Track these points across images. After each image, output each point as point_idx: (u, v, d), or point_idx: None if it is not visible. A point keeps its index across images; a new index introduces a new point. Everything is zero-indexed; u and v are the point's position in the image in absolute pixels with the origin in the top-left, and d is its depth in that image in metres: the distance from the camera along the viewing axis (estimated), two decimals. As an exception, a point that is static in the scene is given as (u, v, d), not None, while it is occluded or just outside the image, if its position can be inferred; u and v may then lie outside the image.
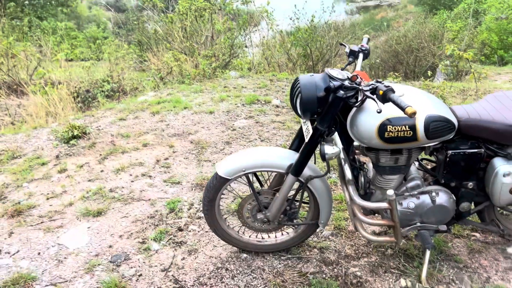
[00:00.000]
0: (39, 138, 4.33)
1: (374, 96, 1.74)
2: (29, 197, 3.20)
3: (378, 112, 1.66)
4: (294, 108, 2.01)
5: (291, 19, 8.92)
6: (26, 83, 7.86)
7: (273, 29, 9.66)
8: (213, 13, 7.84)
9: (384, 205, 1.97)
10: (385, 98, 1.69)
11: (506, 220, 2.33)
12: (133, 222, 2.81)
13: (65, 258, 2.50)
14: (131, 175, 3.45)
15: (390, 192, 1.92)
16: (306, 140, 2.00)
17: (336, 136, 2.11)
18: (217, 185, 2.20)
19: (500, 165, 1.97)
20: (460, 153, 2.01)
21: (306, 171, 2.12)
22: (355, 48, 2.22)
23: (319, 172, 2.16)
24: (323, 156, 1.93)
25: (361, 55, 2.22)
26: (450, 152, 2.01)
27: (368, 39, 2.34)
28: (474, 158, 2.02)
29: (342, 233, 2.61)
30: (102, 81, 7.18)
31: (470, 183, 2.10)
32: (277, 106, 4.87)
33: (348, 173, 2.09)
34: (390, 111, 1.83)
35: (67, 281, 2.31)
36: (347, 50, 2.23)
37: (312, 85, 1.90)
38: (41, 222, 2.86)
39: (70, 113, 6.25)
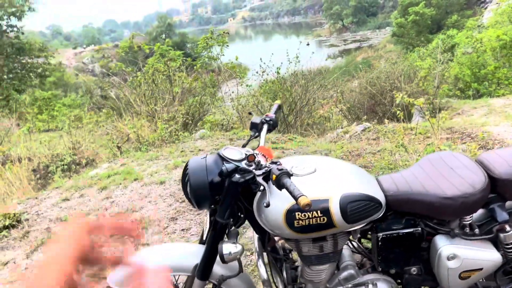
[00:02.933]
0: (-29, 230, 3.93)
1: (267, 184, 1.41)
2: None
3: (265, 206, 1.32)
4: (187, 198, 1.67)
5: (257, 72, 8.80)
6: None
7: (242, 83, 9.55)
8: (174, 75, 7.68)
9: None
10: (279, 184, 1.36)
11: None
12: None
13: None
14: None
15: None
16: (204, 237, 1.64)
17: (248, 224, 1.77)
18: (111, 296, 1.80)
19: (442, 245, 1.61)
20: (394, 235, 1.65)
21: (217, 270, 1.74)
22: (257, 120, 1.89)
23: (234, 271, 1.78)
24: (222, 257, 1.57)
25: (265, 127, 1.90)
26: (380, 235, 1.65)
27: (279, 106, 2.03)
28: (412, 239, 1.66)
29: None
30: (64, 154, 6.87)
31: (413, 268, 1.72)
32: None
33: (263, 272, 1.71)
34: (297, 195, 1.49)
35: None
36: (252, 121, 1.92)
37: (202, 169, 1.58)
38: None
39: (27, 192, 5.89)
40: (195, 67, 9.99)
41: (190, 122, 6.95)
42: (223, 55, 9.56)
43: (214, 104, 9.19)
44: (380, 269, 1.74)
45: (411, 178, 1.68)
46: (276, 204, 1.52)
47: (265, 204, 1.32)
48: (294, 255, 1.91)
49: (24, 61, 20.39)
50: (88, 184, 4.65)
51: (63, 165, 6.59)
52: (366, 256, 1.86)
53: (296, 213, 1.50)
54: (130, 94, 8.71)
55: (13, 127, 8.80)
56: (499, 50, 10.19)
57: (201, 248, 1.77)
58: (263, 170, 1.45)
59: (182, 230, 3.40)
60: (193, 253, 1.76)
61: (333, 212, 1.50)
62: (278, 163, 1.45)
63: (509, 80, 9.60)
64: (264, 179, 1.44)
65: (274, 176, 1.37)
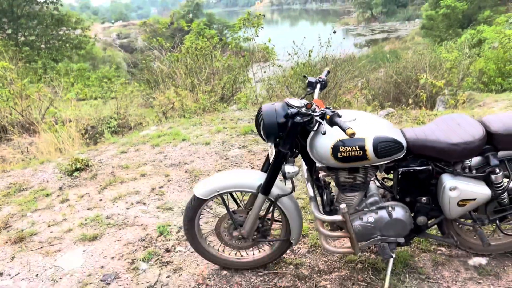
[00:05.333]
0: (45, 171, 4.62)
1: (323, 121, 1.98)
2: (32, 225, 3.44)
3: (323, 134, 1.90)
4: (259, 133, 2.25)
5: (289, 54, 9.29)
6: (38, 122, 8.27)
7: (274, 64, 10.07)
8: (212, 51, 8.25)
9: (338, 218, 2.17)
10: (331, 121, 1.92)
11: (465, 234, 2.50)
12: (125, 245, 3.03)
13: (60, 278, 2.71)
14: (127, 203, 3.69)
15: (343, 205, 2.12)
16: (271, 161, 2.23)
17: (300, 158, 2.35)
18: (195, 205, 2.42)
19: (447, 180, 2.17)
20: (411, 171, 2.21)
21: (275, 190, 2.33)
22: (313, 79, 2.48)
23: (287, 191, 2.37)
24: (284, 175, 2.16)
25: (318, 86, 2.48)
26: (401, 169, 2.21)
27: (328, 72, 2.60)
28: (424, 175, 2.22)
29: (317, 250, 2.79)
30: (110, 118, 7.57)
31: (424, 198, 2.29)
32: (270, 136, 5.11)
33: (310, 191, 2.31)
34: (342, 133, 2.05)
35: (60, 298, 2.52)
36: (307, 81, 2.49)
37: (273, 112, 2.15)
38: (41, 247, 3.10)
39: (77, 149, 6.59)
40: (229, 46, 10.56)
41: (227, 94, 7.54)
42: (257, 36, 10.08)
43: (245, 84, 9.74)
44: (398, 197, 2.30)
45: (427, 130, 2.24)
46: (325, 141, 2.09)
47: (323, 132, 1.89)
48: (331, 186, 2.49)
49: (61, 32, 21.26)
50: (141, 141, 5.30)
51: (109, 127, 7.29)
52: (387, 190, 2.43)
53: (340, 147, 2.07)
54: (168, 68, 9.33)
55: (61, 91, 9.52)
56: (526, 48, 10.45)
57: (263, 174, 2.37)
58: (320, 112, 2.01)
59: (229, 180, 4.01)
60: (257, 177, 2.36)
61: (367, 148, 2.06)
62: (330, 108, 2.02)
63: (533, 77, 9.88)
64: (320, 118, 2.00)
65: (328, 116, 1.93)
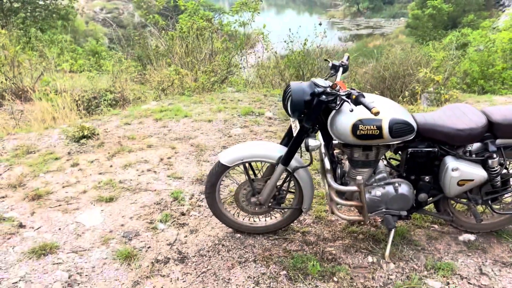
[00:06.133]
0: (50, 137, 4.72)
1: (349, 100, 2.20)
2: (46, 185, 3.59)
3: (351, 111, 2.13)
4: (285, 108, 2.47)
5: (285, 42, 9.48)
6: (32, 89, 8.24)
7: (268, 50, 10.24)
8: (213, 32, 8.37)
9: (354, 188, 2.43)
10: (356, 101, 2.15)
11: (458, 212, 2.80)
12: (142, 207, 3.22)
13: (83, 233, 2.89)
14: (137, 170, 3.86)
15: (359, 177, 2.37)
16: (294, 135, 2.45)
17: (319, 134, 2.58)
18: (219, 171, 2.63)
19: (450, 162, 2.44)
20: (418, 151, 2.48)
21: (293, 163, 2.56)
22: (336, 63, 2.70)
23: (304, 164, 2.60)
24: (307, 147, 2.38)
25: (341, 69, 2.70)
26: (410, 149, 2.47)
27: (348, 57, 2.82)
28: (430, 156, 2.49)
29: (322, 221, 3.05)
30: (105, 90, 7.61)
31: (427, 177, 2.56)
32: (270, 118, 5.34)
33: (327, 164, 2.55)
34: (362, 113, 2.29)
35: (86, 250, 2.71)
36: (330, 64, 2.71)
37: (301, 90, 2.37)
38: (59, 205, 3.25)
39: (75, 118, 6.65)
40: (224, 29, 10.66)
41: (223, 74, 7.70)
42: (253, 21, 10.21)
43: (238, 68, 9.90)
44: (404, 175, 2.56)
45: (436, 116, 2.50)
46: (346, 120, 2.32)
47: (350, 109, 2.12)
48: (343, 162, 2.73)
49: (48, 1, 20.81)
50: (144, 115, 5.44)
51: (105, 100, 7.35)
52: (393, 169, 2.69)
53: (360, 125, 2.30)
54: (165, 46, 9.39)
55: (53, 61, 9.45)
56: (509, 52, 10.91)
57: (283, 148, 2.59)
58: (346, 92, 2.24)
59: (234, 155, 4.22)
60: (278, 150, 2.59)
61: (384, 128, 2.30)
62: (354, 89, 2.24)
63: (514, 81, 10.36)
64: (346, 97, 2.23)
65: (354, 96, 2.16)
